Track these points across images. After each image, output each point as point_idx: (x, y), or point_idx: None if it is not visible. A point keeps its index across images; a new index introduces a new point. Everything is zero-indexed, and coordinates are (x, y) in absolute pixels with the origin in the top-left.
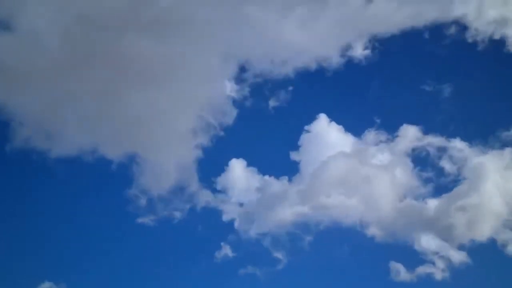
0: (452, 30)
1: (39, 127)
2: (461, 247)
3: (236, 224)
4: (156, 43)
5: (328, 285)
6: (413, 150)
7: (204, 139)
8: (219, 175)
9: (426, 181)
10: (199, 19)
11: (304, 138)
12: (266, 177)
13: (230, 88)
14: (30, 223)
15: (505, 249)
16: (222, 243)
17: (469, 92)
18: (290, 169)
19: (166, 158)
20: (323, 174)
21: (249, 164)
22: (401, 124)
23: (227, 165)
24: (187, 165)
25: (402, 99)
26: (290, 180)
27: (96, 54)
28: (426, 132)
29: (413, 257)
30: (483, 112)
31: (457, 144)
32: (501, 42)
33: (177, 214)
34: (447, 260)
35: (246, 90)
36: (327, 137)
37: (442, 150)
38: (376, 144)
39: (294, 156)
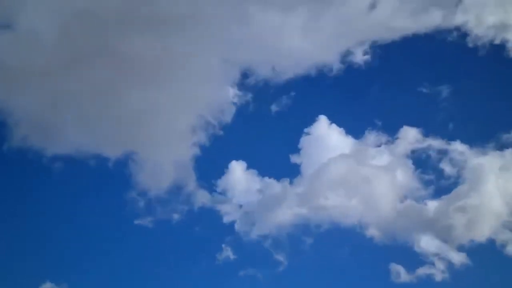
0: (453, 35)
1: (37, 126)
2: (460, 248)
3: (236, 226)
4: (156, 42)
5: (329, 287)
6: (413, 152)
7: (203, 140)
8: (220, 177)
9: (426, 182)
10: (200, 18)
11: (304, 140)
12: (267, 179)
13: (231, 92)
14: (29, 223)
15: (504, 249)
16: (223, 245)
17: (469, 94)
18: (290, 171)
19: (166, 158)
20: (324, 176)
21: (249, 166)
22: (401, 126)
23: (227, 167)
24: (187, 166)
25: (402, 101)
26: (290, 182)
27: (94, 53)
28: (426, 134)
29: (413, 259)
30: (483, 114)
31: (457, 146)
32: (501, 46)
33: (178, 216)
34: (447, 261)
35: (248, 96)
36: (327, 139)
37: (442, 152)
38: (376, 146)
39: (294, 158)
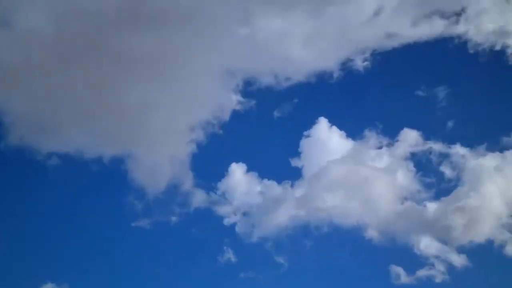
0: (454, 41)
1: (34, 125)
2: (460, 249)
3: (237, 229)
4: (154, 40)
5: None
6: (413, 154)
7: (202, 140)
8: (220, 179)
9: (426, 184)
10: (200, 16)
11: (304, 143)
12: (267, 181)
13: (233, 97)
14: (28, 223)
15: (503, 250)
16: (224, 247)
17: (468, 97)
18: (290, 174)
19: (164, 157)
20: (324, 178)
21: (250, 168)
22: (402, 129)
23: (227, 169)
24: (187, 168)
25: (403, 103)
26: (290, 184)
27: (92, 52)
28: (426, 137)
29: (413, 260)
30: (483, 117)
31: (457, 148)
32: (501, 51)
33: (178, 218)
34: (447, 263)
35: (251, 101)
36: (327, 141)
37: (441, 154)
38: (376, 148)
39: (294, 160)
